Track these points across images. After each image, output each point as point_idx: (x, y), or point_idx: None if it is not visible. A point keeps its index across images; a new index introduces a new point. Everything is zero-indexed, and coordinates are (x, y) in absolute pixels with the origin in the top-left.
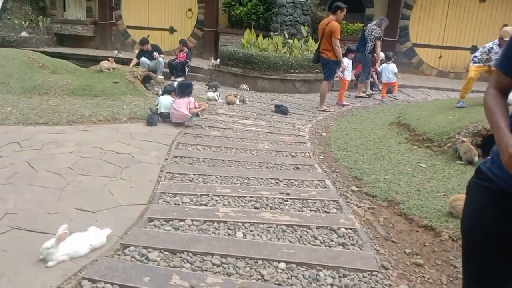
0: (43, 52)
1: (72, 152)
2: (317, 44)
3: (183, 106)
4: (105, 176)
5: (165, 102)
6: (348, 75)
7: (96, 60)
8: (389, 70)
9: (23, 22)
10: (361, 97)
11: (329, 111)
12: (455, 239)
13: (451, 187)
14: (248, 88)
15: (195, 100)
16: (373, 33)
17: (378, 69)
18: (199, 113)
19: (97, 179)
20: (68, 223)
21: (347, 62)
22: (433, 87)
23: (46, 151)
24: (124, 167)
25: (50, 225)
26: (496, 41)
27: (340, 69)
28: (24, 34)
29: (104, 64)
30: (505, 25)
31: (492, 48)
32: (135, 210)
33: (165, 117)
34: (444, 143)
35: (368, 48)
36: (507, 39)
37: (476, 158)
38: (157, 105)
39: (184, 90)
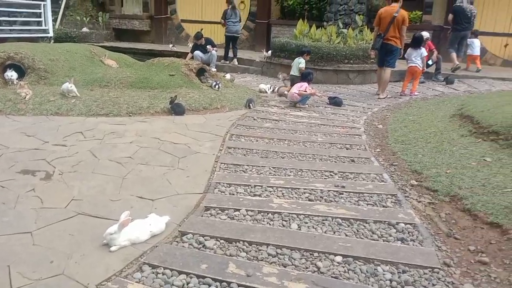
0: (103, 47)
1: (131, 142)
2: (374, 33)
3: (295, 88)
4: (163, 166)
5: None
6: (424, 65)
7: (152, 54)
8: (474, 45)
9: (84, 18)
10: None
11: (387, 98)
12: None
13: None
14: (286, 77)
15: (309, 86)
16: (474, 12)
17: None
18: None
19: (155, 168)
20: (129, 210)
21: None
22: (498, 77)
23: (107, 141)
24: (180, 157)
25: (112, 212)
26: None
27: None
28: (85, 29)
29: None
30: None
31: None
32: (192, 198)
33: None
34: None
35: (472, 25)
36: None
37: None
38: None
39: (304, 76)
